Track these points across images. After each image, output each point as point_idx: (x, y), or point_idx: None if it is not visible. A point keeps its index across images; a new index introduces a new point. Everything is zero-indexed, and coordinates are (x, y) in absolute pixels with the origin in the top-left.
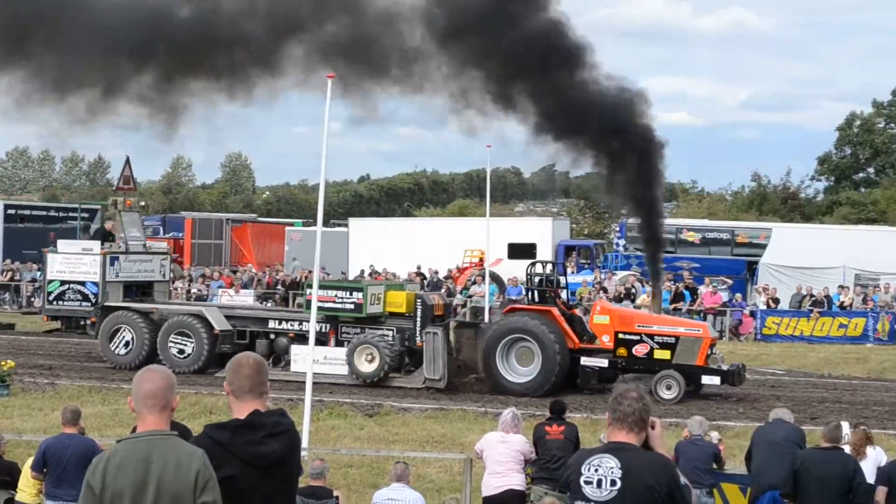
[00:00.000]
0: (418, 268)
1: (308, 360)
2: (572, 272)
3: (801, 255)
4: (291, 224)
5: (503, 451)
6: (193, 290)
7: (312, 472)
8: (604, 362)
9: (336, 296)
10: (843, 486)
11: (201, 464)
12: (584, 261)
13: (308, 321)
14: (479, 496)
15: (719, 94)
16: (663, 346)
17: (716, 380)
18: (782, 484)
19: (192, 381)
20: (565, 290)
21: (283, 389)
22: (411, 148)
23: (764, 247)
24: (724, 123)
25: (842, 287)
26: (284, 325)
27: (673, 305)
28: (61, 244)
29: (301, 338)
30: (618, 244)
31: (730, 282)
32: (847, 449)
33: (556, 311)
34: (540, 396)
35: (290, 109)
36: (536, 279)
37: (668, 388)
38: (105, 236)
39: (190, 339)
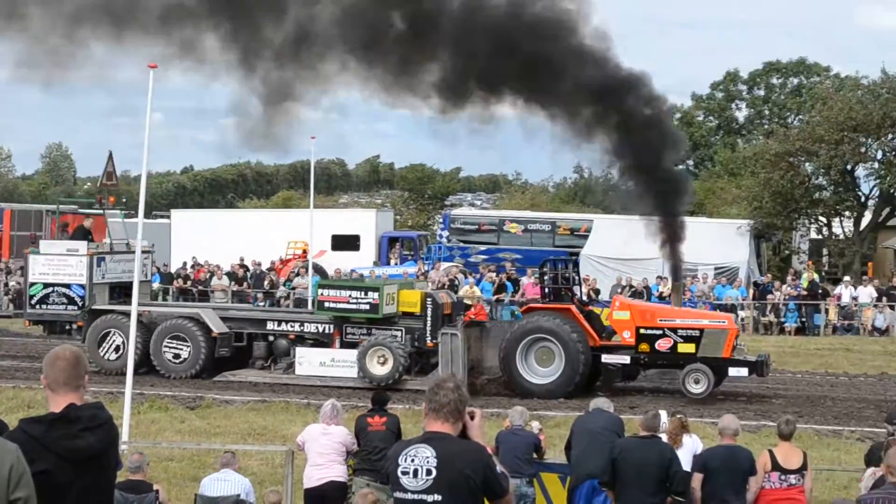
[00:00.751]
0: (241, 260)
1: (315, 362)
2: (395, 263)
3: (621, 245)
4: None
5: (325, 443)
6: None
7: (131, 466)
8: (626, 359)
9: (350, 296)
10: (661, 474)
11: (15, 459)
12: (407, 252)
13: (312, 322)
14: (301, 488)
15: None
16: (687, 339)
17: (743, 371)
18: (601, 473)
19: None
20: (579, 287)
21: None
22: (236, 139)
23: (585, 238)
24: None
25: (661, 278)
26: (284, 327)
27: (496, 297)
28: (44, 245)
29: (301, 339)
30: (441, 236)
31: None
32: (664, 437)
33: (574, 308)
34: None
35: (110, 100)
36: (551, 277)
37: (697, 381)
38: (85, 235)
39: (186, 343)
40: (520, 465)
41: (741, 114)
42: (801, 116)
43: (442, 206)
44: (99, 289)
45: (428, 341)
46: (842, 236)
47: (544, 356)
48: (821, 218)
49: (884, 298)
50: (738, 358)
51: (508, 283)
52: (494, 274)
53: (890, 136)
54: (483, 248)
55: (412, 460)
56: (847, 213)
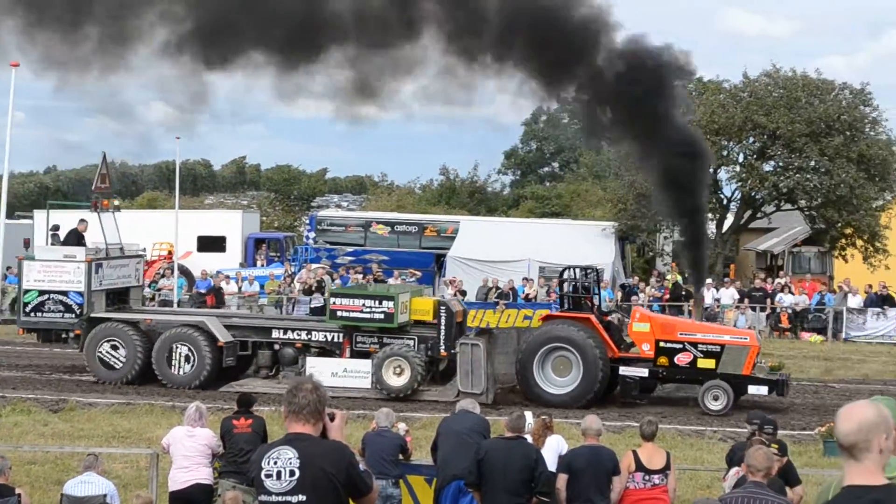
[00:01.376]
0: None
1: (326, 372)
2: (262, 265)
3: (487, 247)
4: None
5: (190, 446)
6: None
7: None
8: (644, 372)
9: (364, 305)
10: (526, 474)
11: None
12: (273, 254)
13: (320, 330)
14: (167, 491)
15: (408, 87)
16: (708, 354)
17: (763, 389)
18: (467, 474)
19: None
20: (598, 297)
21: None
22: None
23: (452, 239)
24: (413, 117)
25: (527, 279)
26: (290, 335)
27: None
28: (39, 250)
29: (307, 347)
30: (308, 237)
31: (418, 274)
32: (529, 438)
33: (594, 318)
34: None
35: None
36: (570, 286)
37: (716, 398)
38: (79, 240)
39: (190, 353)
40: (386, 467)
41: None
42: None
43: (308, 207)
44: (97, 296)
45: (441, 350)
46: None
47: (562, 366)
48: None
49: (745, 300)
50: (758, 376)
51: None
52: (361, 276)
53: (751, 139)
54: (350, 249)
55: (275, 463)
56: (709, 215)
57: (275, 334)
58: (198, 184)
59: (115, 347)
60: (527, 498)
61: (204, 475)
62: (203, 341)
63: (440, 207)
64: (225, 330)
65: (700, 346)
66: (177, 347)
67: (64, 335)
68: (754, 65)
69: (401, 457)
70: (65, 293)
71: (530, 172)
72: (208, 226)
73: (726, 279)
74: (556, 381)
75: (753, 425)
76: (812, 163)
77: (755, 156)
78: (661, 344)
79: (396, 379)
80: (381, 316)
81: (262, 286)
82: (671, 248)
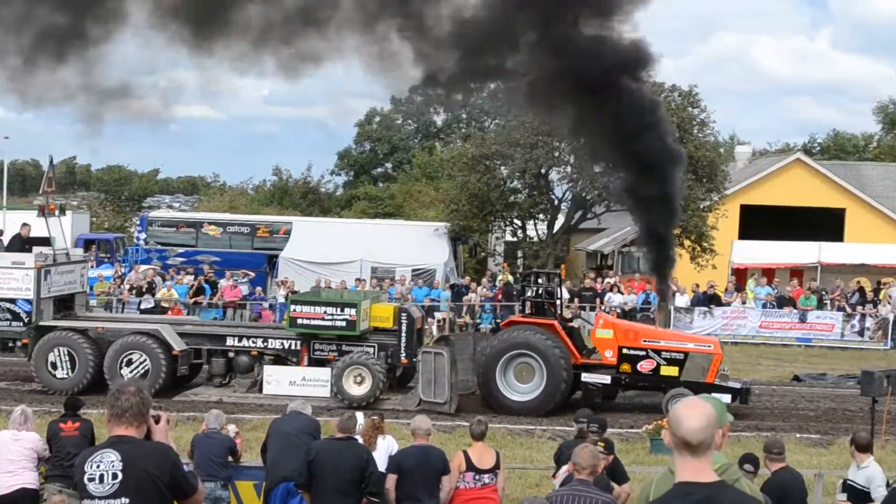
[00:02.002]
0: None
1: (284, 381)
2: (92, 266)
3: (320, 248)
4: None
5: (15, 450)
6: None
7: None
8: (606, 379)
9: (325, 312)
10: (356, 475)
11: None
12: (104, 255)
13: (276, 338)
14: None
15: (242, 88)
16: (671, 362)
17: (727, 398)
18: (297, 475)
19: None
20: (561, 302)
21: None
22: None
23: (285, 240)
24: (246, 118)
25: (359, 279)
26: (245, 343)
27: (193, 300)
28: None
29: (263, 356)
30: (139, 238)
31: (252, 275)
32: (360, 439)
33: (557, 324)
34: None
35: None
36: (533, 290)
37: None
38: (22, 245)
39: (143, 361)
40: (214, 468)
41: (440, 118)
42: (497, 121)
43: (139, 207)
44: (45, 303)
45: (402, 358)
46: (536, 239)
47: (524, 372)
48: (516, 221)
49: (576, 299)
50: (721, 384)
51: (206, 286)
52: (193, 276)
53: (582, 140)
54: (181, 250)
55: (97, 466)
56: (541, 215)
57: (229, 342)
58: (27, 184)
59: (64, 356)
60: (357, 498)
61: (30, 479)
62: (157, 349)
63: (273, 208)
64: (178, 338)
65: (664, 353)
66: (130, 356)
67: (11, 344)
68: None
69: (230, 458)
70: (12, 301)
71: (363, 173)
72: (37, 227)
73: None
74: (519, 387)
75: (581, 424)
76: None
77: (585, 157)
78: (625, 350)
79: (357, 388)
80: (344, 323)
81: (91, 287)
82: (503, 249)
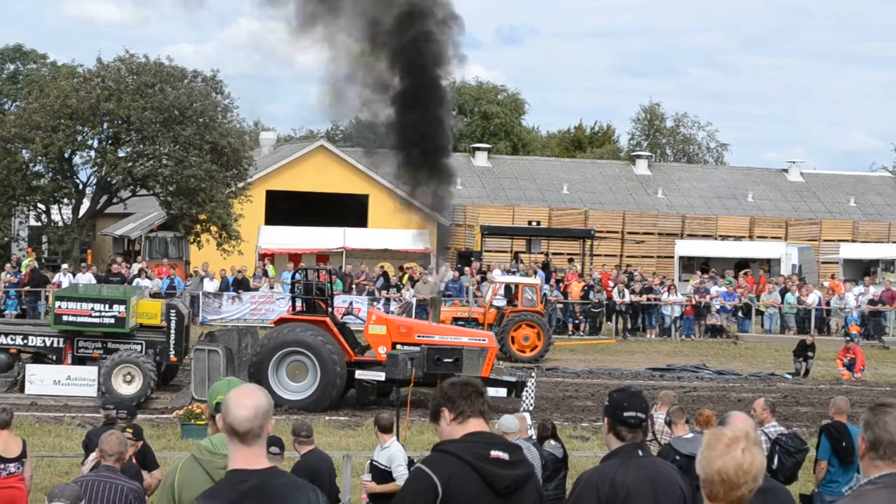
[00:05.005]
0: None
1: (48, 380)
2: None
3: None
4: None
5: None
6: None
7: None
8: (380, 375)
9: (92, 309)
10: None
11: None
12: None
13: (38, 335)
14: None
15: None
16: (446, 356)
17: (502, 392)
18: None
19: None
20: (332, 299)
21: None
22: None
23: None
24: None
25: None
26: (3, 340)
27: None
28: None
29: (22, 353)
30: None
31: None
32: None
33: (329, 321)
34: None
35: None
36: (303, 288)
37: None
38: None
39: None
40: None
41: None
42: (17, 103)
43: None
44: None
45: (172, 356)
46: (61, 223)
47: (297, 370)
48: (39, 205)
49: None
50: (496, 378)
51: None
52: None
53: (105, 124)
54: None
55: None
56: (65, 200)
57: None
58: None
59: None
60: None
61: None
62: None
63: None
64: None
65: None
66: None
67: None
68: (108, 50)
69: None
70: None
71: None
72: None
73: (83, 264)
74: (293, 386)
75: (108, 410)
76: (166, 150)
77: (110, 141)
78: (398, 347)
79: (127, 387)
80: (112, 320)
81: None
82: (27, 234)
